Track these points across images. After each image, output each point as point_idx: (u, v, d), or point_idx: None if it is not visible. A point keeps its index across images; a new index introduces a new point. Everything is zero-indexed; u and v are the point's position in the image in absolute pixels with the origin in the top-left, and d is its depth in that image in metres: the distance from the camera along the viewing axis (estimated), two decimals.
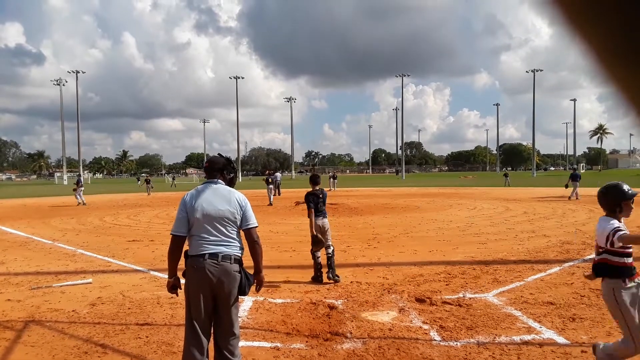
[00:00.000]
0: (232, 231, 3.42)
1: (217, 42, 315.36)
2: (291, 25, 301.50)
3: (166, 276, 7.95)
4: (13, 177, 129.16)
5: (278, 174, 32.56)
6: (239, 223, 3.46)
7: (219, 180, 3.57)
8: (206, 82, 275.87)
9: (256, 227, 3.55)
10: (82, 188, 24.67)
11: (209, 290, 3.30)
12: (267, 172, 37.33)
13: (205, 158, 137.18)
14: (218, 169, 3.59)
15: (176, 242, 3.42)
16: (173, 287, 3.48)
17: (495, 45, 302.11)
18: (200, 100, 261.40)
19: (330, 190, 35.88)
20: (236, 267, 3.37)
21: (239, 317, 5.27)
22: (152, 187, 36.15)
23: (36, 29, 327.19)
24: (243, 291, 3.41)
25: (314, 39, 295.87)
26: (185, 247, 3.52)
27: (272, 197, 23.26)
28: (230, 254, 3.36)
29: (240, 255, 3.45)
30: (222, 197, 3.45)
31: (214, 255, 3.31)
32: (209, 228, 3.36)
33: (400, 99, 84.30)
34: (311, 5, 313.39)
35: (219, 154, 3.88)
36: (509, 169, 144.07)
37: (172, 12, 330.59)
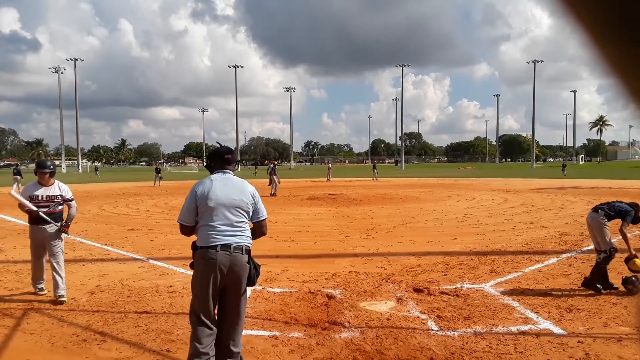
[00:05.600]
0: (244, 222, 3.42)
1: (214, 31, 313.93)
2: (289, 14, 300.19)
3: (164, 265, 7.97)
4: (11, 164, 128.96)
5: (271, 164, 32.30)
6: (250, 214, 3.48)
7: (231, 171, 3.60)
8: (204, 71, 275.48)
9: (266, 218, 3.61)
10: (20, 178, 25.24)
11: (218, 282, 3.27)
12: (267, 161, 37.17)
13: (204, 147, 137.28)
14: (234, 160, 3.65)
15: (185, 230, 3.47)
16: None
17: (494, 35, 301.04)
18: (198, 89, 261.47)
19: (374, 180, 36.32)
20: (246, 257, 3.36)
21: None
22: (161, 178, 32.17)
23: (32, 15, 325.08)
24: (252, 282, 3.41)
25: (312, 28, 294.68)
26: (193, 237, 3.50)
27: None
28: (241, 245, 3.34)
29: (250, 245, 3.43)
30: (236, 188, 3.46)
31: (226, 246, 3.28)
32: (222, 218, 3.33)
33: (400, 88, 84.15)
34: None
35: (218, 142, 3.87)
36: (508, 160, 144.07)
37: (169, 1, 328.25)
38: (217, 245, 3.27)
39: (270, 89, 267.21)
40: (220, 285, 3.29)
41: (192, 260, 3.43)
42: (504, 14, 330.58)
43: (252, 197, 3.49)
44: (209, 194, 3.36)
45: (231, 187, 3.44)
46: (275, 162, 25.91)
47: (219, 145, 3.74)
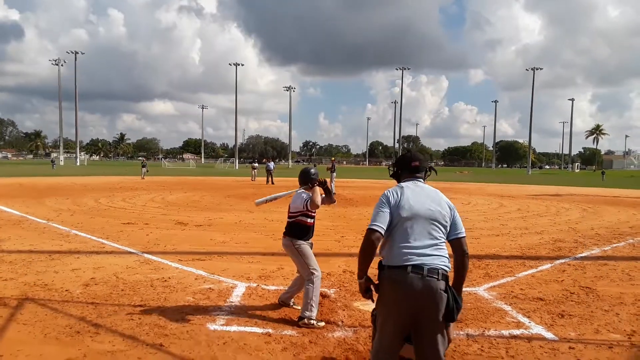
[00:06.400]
0: (440, 238, 2.85)
1: (208, 28, 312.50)
2: (282, 12, 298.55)
3: (159, 259, 7.94)
4: (9, 155, 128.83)
5: (271, 163, 32.73)
6: (448, 229, 2.91)
7: (422, 179, 3.12)
8: (198, 67, 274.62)
9: (465, 237, 2.95)
10: None
11: (407, 312, 2.74)
12: (265, 160, 38.79)
13: (202, 144, 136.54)
14: (424, 167, 3.14)
15: (373, 238, 2.82)
16: (367, 290, 2.95)
17: (488, 40, 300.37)
18: (192, 85, 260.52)
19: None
20: (443, 284, 2.74)
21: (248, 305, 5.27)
22: (147, 171, 35.30)
23: (24, 6, 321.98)
24: (451, 317, 2.74)
25: (304, 27, 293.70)
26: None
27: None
28: (437, 268, 2.74)
29: (448, 270, 2.81)
30: (430, 197, 2.94)
31: (418, 268, 2.72)
32: (416, 232, 2.81)
33: (396, 90, 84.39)
34: None
35: (407, 149, 3.36)
36: (504, 166, 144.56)
37: None
38: (408, 266, 2.73)
39: (263, 87, 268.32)
40: (410, 318, 2.75)
41: (377, 283, 2.91)
42: (496, 20, 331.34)
43: (450, 209, 2.94)
44: (401, 202, 2.88)
45: (425, 196, 2.94)
46: (266, 160, 26.73)
47: (406, 152, 3.28)
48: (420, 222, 2.82)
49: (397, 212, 2.85)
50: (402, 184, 3.05)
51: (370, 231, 2.83)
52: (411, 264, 2.72)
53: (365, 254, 2.87)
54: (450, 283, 2.83)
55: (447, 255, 2.84)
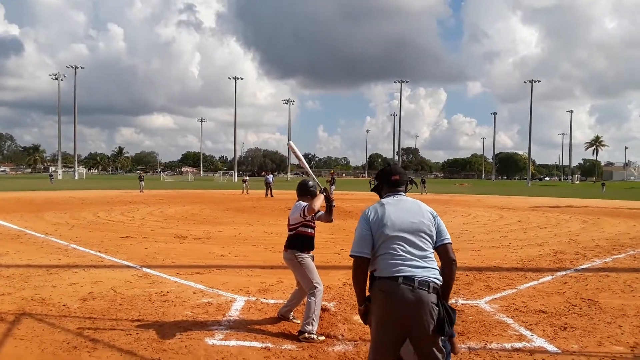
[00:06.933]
0: (428, 249, 2.85)
1: (207, 42, 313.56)
2: (280, 26, 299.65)
3: (157, 273, 7.89)
4: (7, 170, 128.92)
5: (270, 176, 32.81)
6: (434, 238, 2.91)
7: (403, 192, 3.14)
8: (197, 81, 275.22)
9: (451, 243, 2.97)
10: None
11: (399, 324, 2.72)
12: (264, 173, 39.24)
13: (201, 157, 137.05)
14: (404, 181, 3.15)
15: (360, 265, 2.86)
16: (365, 313, 2.95)
17: (485, 52, 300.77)
18: (191, 99, 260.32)
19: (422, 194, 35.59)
20: (434, 297, 2.71)
21: (238, 318, 5.24)
22: (143, 186, 36.11)
23: (24, 21, 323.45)
24: (441, 330, 2.68)
25: (304, 40, 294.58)
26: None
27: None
28: (427, 280, 2.71)
29: (439, 283, 2.78)
30: (411, 210, 2.95)
31: (409, 279, 2.69)
32: (403, 245, 2.80)
33: (395, 102, 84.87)
34: (303, 6, 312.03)
35: (387, 163, 3.43)
36: (504, 178, 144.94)
37: (159, 9, 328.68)
38: (399, 277, 2.71)
39: (262, 100, 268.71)
40: (402, 330, 2.73)
41: (369, 294, 2.92)
42: (493, 32, 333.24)
43: (433, 218, 2.95)
44: (383, 219, 2.87)
45: (407, 210, 2.94)
46: (265, 172, 27.09)
47: (385, 165, 3.33)
48: (406, 236, 2.82)
49: (380, 230, 2.85)
50: (383, 200, 3.06)
51: (356, 259, 2.86)
52: (402, 275, 2.71)
53: (358, 283, 2.88)
54: None
55: (437, 268, 2.83)
